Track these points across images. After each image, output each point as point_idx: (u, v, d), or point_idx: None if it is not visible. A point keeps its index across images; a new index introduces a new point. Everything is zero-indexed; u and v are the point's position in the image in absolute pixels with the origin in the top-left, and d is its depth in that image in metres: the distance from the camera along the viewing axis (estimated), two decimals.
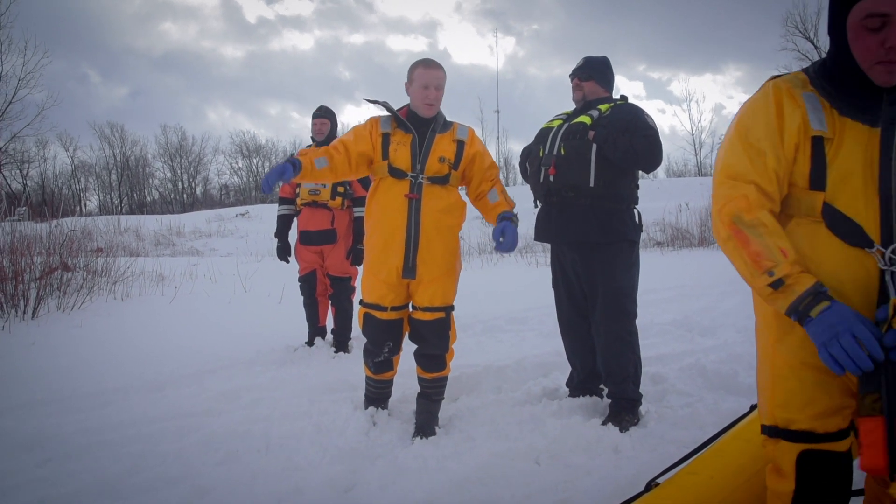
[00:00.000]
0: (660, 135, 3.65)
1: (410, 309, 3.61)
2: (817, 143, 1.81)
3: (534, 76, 76.76)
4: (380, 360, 3.63)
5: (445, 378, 3.66)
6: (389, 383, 3.78)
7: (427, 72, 3.43)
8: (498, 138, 41.03)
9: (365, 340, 3.69)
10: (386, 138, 3.48)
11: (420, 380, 3.64)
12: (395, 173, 3.43)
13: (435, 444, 3.32)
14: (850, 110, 1.79)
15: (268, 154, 53.19)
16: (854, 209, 1.76)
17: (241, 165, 53.87)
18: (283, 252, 5.78)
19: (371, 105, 3.58)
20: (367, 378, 3.75)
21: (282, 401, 4.07)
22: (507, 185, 38.40)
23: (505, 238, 3.38)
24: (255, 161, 53.40)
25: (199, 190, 53.58)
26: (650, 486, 2.49)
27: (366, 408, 3.74)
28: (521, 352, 5.06)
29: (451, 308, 3.58)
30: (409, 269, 3.43)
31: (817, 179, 1.81)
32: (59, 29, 59.59)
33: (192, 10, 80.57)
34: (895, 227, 1.71)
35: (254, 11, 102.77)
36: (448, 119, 3.62)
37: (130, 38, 76.01)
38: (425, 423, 3.53)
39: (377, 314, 3.55)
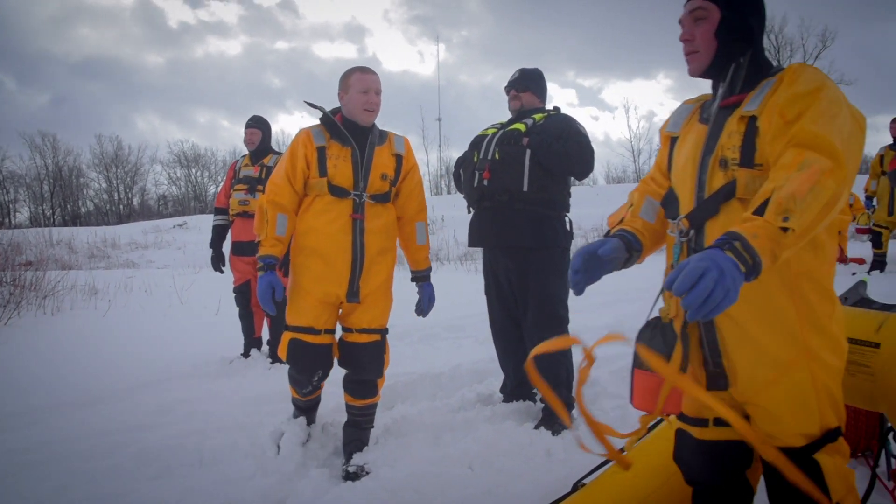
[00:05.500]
0: (592, 142, 3.77)
1: (341, 332, 3.42)
2: (672, 142, 2.09)
3: (465, 83, 77.15)
4: (308, 391, 3.44)
5: (376, 405, 3.47)
6: (319, 396, 3.62)
7: (365, 76, 3.27)
8: (440, 146, 41.00)
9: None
10: (322, 152, 3.23)
11: (349, 408, 3.43)
12: (337, 192, 3.21)
13: (369, 453, 3.33)
14: (706, 113, 1.99)
15: (207, 164, 52.26)
16: (680, 191, 1.97)
17: (179, 175, 52.83)
18: (217, 262, 5.75)
19: (306, 113, 3.52)
20: (295, 398, 3.57)
21: (216, 413, 4.04)
22: (449, 192, 38.41)
23: (429, 305, 3.57)
24: (193, 171, 52.43)
25: (136, 201, 52.35)
26: (577, 486, 2.57)
27: (295, 416, 3.61)
28: (457, 359, 5.11)
29: (387, 331, 3.44)
30: (353, 293, 3.26)
31: (669, 170, 2.08)
32: None
33: (109, 14, 78.05)
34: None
35: (175, 17, 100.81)
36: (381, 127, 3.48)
37: (46, 43, 73.36)
38: (357, 452, 3.36)
39: (309, 338, 3.26)
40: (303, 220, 3.28)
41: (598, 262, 1.93)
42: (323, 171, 3.22)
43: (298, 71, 78.92)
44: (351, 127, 3.30)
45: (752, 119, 1.78)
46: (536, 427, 3.60)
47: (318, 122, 3.37)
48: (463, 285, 9.15)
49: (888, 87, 51.74)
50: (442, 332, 6.38)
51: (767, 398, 1.80)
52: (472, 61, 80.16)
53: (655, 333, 1.90)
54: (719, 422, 1.97)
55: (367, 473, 3.16)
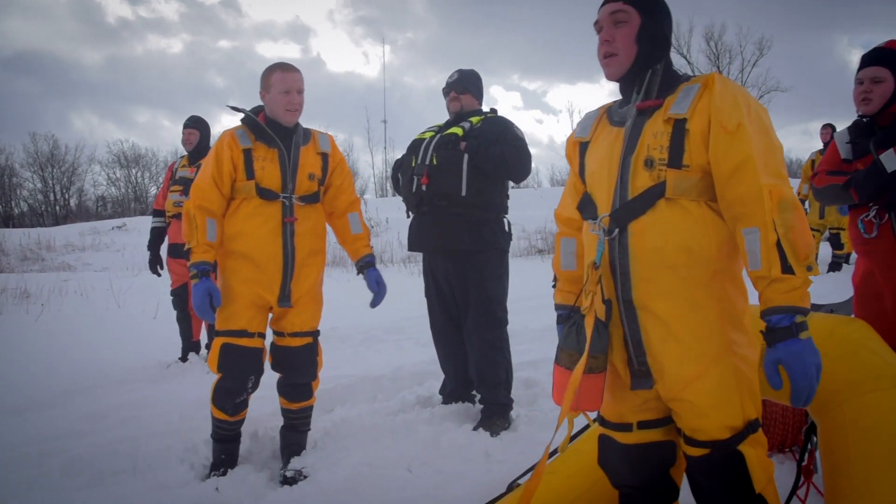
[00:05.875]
0: (537, 146, 3.82)
1: (272, 336, 3.34)
2: (583, 147, 2.13)
3: (411, 85, 76.45)
4: (241, 400, 3.20)
5: (311, 408, 3.41)
6: (244, 421, 3.32)
7: (286, 75, 3.15)
8: (385, 148, 40.75)
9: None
10: (248, 154, 3.14)
11: (285, 412, 3.36)
12: (265, 194, 3.13)
13: (307, 456, 3.31)
14: (617, 117, 2.04)
15: (148, 164, 51.00)
16: (597, 192, 2.01)
17: (119, 176, 51.44)
18: (154, 265, 5.66)
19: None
20: (221, 421, 3.23)
21: (152, 419, 3.97)
22: (394, 195, 38.29)
23: (380, 289, 3.41)
24: (134, 171, 51.13)
25: (73, 202, 50.80)
26: (512, 487, 2.59)
27: (215, 461, 3.25)
28: (398, 361, 5.13)
29: (318, 333, 3.37)
30: (285, 298, 3.18)
31: (581, 175, 2.13)
32: None
33: (42, 7, 73.50)
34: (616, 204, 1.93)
35: (113, 12, 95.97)
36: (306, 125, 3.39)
37: None
38: (295, 456, 3.33)
39: (244, 342, 3.14)
40: (231, 223, 3.17)
41: None
42: (250, 174, 3.14)
43: (242, 70, 76.99)
44: (275, 127, 3.21)
45: (681, 122, 1.84)
46: (475, 428, 3.62)
47: (239, 122, 3.27)
48: (406, 287, 9.16)
49: (821, 95, 53.55)
50: (383, 334, 6.37)
51: (694, 393, 1.85)
52: (418, 63, 79.94)
53: (571, 331, 1.95)
54: (643, 425, 2.02)
55: (305, 477, 3.14)
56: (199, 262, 3.06)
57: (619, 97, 2.08)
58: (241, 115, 3.28)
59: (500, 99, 77.37)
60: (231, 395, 3.18)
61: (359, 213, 3.49)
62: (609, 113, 2.09)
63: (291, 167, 3.19)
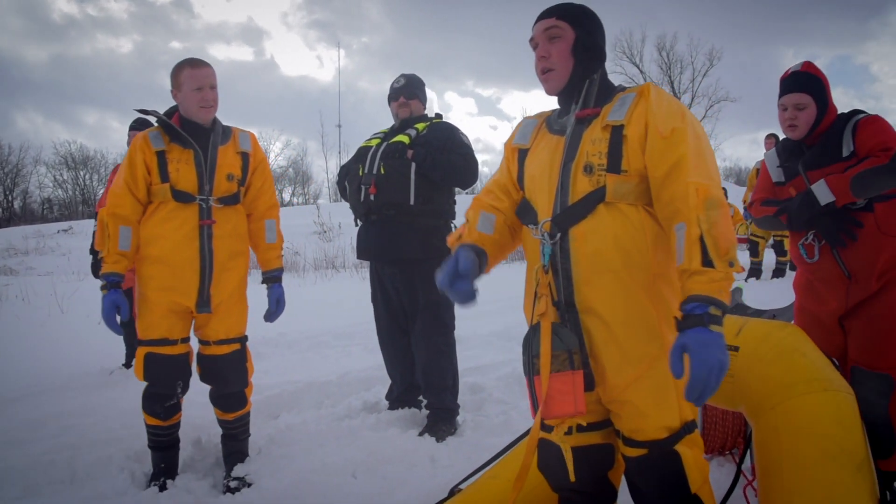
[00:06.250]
0: (490, 152, 3.85)
1: (198, 346, 3.24)
2: (521, 154, 2.16)
3: (365, 90, 76.15)
4: (172, 404, 3.15)
5: (248, 414, 3.33)
6: (179, 425, 3.25)
7: (196, 72, 3.04)
8: (339, 153, 40.53)
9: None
10: (161, 157, 3.05)
11: (222, 422, 3.28)
12: (181, 197, 3.03)
13: (251, 463, 3.28)
14: (557, 126, 2.08)
15: (96, 166, 49.88)
16: (538, 198, 2.03)
17: (66, 178, 50.23)
18: (96, 269, 5.54)
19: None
20: (155, 427, 3.16)
21: (93, 427, 3.87)
22: (338, 200, 38.06)
23: (278, 308, 3.36)
24: (82, 173, 49.97)
25: (17, 204, 49.46)
26: (453, 491, 2.60)
27: (155, 462, 3.20)
28: (345, 366, 5.11)
29: (246, 338, 3.28)
30: (203, 303, 3.08)
31: (519, 181, 2.15)
32: None
33: None
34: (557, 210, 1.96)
35: (59, 9, 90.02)
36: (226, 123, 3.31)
37: None
38: (239, 463, 3.28)
39: (167, 350, 3.08)
40: (146, 227, 3.08)
41: (459, 278, 2.01)
42: (164, 177, 3.05)
43: None
44: (190, 127, 3.12)
45: (618, 128, 1.91)
46: (421, 434, 3.63)
47: (155, 124, 3.19)
48: (357, 293, 9.13)
49: (769, 105, 54.83)
50: (331, 339, 6.33)
51: (634, 393, 1.90)
52: (373, 68, 79.74)
53: (536, 336, 1.94)
54: (583, 428, 2.04)
55: (249, 485, 3.10)
56: (109, 273, 3.02)
57: None
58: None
59: (455, 105, 77.62)
60: (160, 399, 3.13)
61: (276, 220, 3.39)
62: (548, 122, 2.13)
63: (209, 168, 3.10)
